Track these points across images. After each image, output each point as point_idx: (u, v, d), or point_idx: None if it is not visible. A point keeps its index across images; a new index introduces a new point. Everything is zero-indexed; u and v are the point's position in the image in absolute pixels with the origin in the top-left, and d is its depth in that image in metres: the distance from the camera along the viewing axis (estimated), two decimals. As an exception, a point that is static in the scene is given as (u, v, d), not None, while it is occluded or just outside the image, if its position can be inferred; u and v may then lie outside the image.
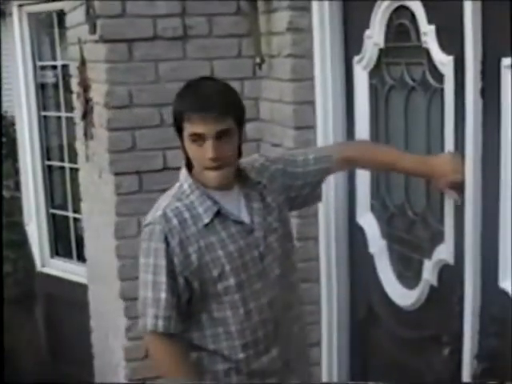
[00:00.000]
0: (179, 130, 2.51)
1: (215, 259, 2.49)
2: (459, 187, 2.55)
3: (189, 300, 2.52)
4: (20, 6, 6.33)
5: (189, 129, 2.44)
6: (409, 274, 3.05)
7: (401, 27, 2.93)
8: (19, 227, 8.06)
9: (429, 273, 2.83)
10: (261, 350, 2.58)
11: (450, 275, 2.70)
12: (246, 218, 2.57)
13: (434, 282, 2.82)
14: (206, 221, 2.50)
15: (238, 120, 2.50)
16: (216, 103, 2.42)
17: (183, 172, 2.60)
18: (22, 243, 7.90)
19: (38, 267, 6.64)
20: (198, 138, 2.44)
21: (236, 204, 2.58)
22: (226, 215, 2.53)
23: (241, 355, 2.56)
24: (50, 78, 6.61)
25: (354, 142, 3.16)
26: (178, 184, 2.60)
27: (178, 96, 2.53)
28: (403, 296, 3.06)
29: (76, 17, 4.26)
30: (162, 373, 2.62)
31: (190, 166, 2.58)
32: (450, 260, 2.69)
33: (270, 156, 2.85)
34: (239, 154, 2.57)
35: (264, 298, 2.57)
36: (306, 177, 2.77)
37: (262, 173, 2.70)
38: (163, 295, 2.46)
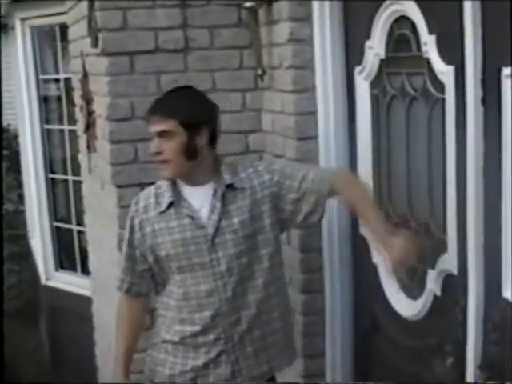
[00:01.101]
0: None
1: (163, 242, 2.89)
2: (406, 269, 2.78)
3: (150, 270, 2.99)
4: (23, 19, 6.36)
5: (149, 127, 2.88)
6: (412, 284, 3.04)
7: (401, 37, 2.93)
8: (23, 240, 8.08)
9: (432, 283, 2.83)
10: (197, 331, 2.92)
11: (454, 285, 2.70)
12: (203, 214, 2.88)
13: (438, 292, 2.82)
14: (162, 209, 2.90)
15: (184, 123, 2.80)
16: (160, 107, 2.84)
17: None
18: (26, 256, 7.92)
19: (43, 280, 6.64)
20: (153, 136, 2.85)
21: (202, 200, 2.88)
22: (180, 207, 2.88)
23: (177, 327, 2.95)
24: (52, 90, 6.64)
25: (347, 178, 3.10)
26: None
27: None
28: (407, 306, 3.05)
29: (78, 30, 4.28)
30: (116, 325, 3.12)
31: None
32: (454, 270, 2.69)
33: (272, 166, 3.07)
34: (190, 155, 2.83)
35: (203, 286, 2.88)
36: (302, 193, 2.95)
37: (251, 178, 2.96)
38: (124, 263, 3.01)
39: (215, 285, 2.88)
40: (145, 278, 3.00)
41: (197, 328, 2.92)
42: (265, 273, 2.94)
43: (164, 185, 2.93)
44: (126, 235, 3.00)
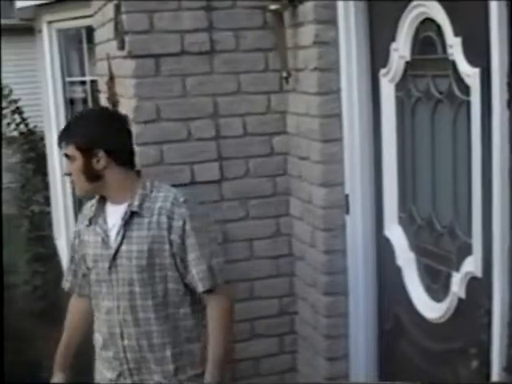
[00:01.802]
0: None
1: (84, 255, 3.04)
2: None
3: None
4: (50, 22, 6.40)
5: None
6: (437, 287, 3.04)
7: (427, 39, 2.93)
8: (48, 241, 8.12)
9: (457, 285, 2.83)
10: (101, 345, 3.03)
11: (478, 288, 2.69)
12: (112, 233, 2.94)
13: (462, 295, 2.81)
14: (86, 223, 3.03)
15: (79, 148, 2.88)
16: (63, 132, 2.96)
17: None
18: (52, 257, 7.96)
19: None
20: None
21: (115, 219, 2.94)
22: (96, 224, 2.98)
23: (96, 335, 3.07)
24: (78, 93, 6.67)
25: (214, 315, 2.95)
26: None
27: None
28: (431, 309, 3.05)
29: (104, 33, 4.30)
30: None
31: None
32: (478, 272, 2.68)
33: (185, 208, 2.93)
34: (90, 177, 2.91)
35: (106, 303, 2.97)
36: (185, 267, 2.91)
37: (162, 213, 2.89)
38: (68, 264, 3.17)
39: (112, 304, 2.95)
40: (86, 281, 3.09)
41: (101, 342, 3.03)
42: (159, 310, 2.91)
43: (95, 200, 3.04)
44: (71, 239, 3.17)
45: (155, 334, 2.91)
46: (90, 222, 2.99)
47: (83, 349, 3.24)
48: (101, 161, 2.88)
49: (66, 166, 2.98)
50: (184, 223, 2.87)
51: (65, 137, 2.93)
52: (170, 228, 2.87)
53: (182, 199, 2.90)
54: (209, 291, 2.90)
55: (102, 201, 2.99)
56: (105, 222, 2.96)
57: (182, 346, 2.95)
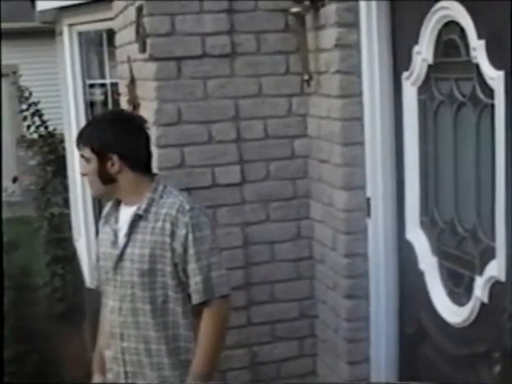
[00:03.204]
0: None
1: (100, 252, 3.08)
2: None
3: None
4: (70, 25, 6.43)
5: None
6: (459, 291, 3.02)
7: (450, 42, 2.92)
8: (68, 243, 8.15)
9: (480, 290, 2.81)
10: (109, 343, 3.04)
11: (502, 292, 2.68)
12: (121, 234, 2.97)
13: (485, 299, 2.79)
14: (102, 222, 3.10)
15: (95, 151, 2.92)
16: (81, 134, 3.00)
17: None
18: (71, 259, 7.98)
19: (87, 283, 6.69)
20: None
21: (125, 220, 2.97)
22: (109, 223, 3.03)
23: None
24: (98, 95, 6.69)
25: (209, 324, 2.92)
26: None
27: None
28: (454, 313, 3.04)
29: (126, 35, 4.31)
30: None
31: None
32: (502, 277, 2.67)
33: (189, 216, 2.90)
34: (105, 180, 2.95)
35: (111, 302, 2.99)
36: (186, 275, 2.91)
37: (171, 219, 2.88)
38: (96, 262, 3.14)
39: (115, 304, 2.97)
40: None
41: (110, 340, 3.04)
42: (157, 316, 2.91)
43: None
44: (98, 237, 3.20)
45: (153, 340, 2.91)
46: (105, 220, 3.06)
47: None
48: (115, 165, 2.92)
49: (82, 166, 3.00)
50: (187, 232, 2.86)
51: (82, 139, 2.98)
52: (172, 235, 2.86)
53: (187, 207, 2.88)
54: (202, 304, 2.88)
55: (118, 201, 3.03)
56: (116, 221, 3.00)
57: (180, 355, 2.93)
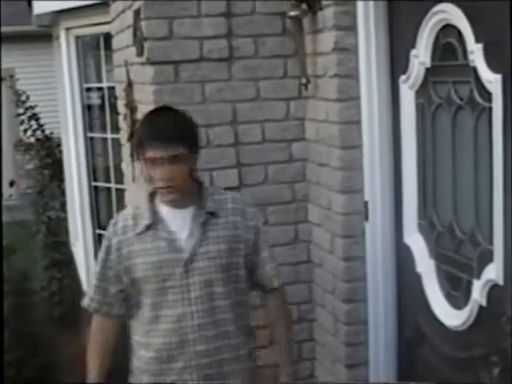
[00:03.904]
0: (139, 153, 2.84)
1: (138, 264, 2.85)
2: None
3: (123, 292, 2.93)
4: (67, 29, 6.43)
5: (147, 154, 2.76)
6: (457, 294, 3.02)
7: (447, 46, 2.92)
8: (65, 247, 8.14)
9: (478, 293, 2.81)
10: (162, 358, 2.87)
11: (500, 295, 2.68)
12: (181, 237, 2.85)
13: (483, 302, 2.79)
14: (138, 231, 2.86)
15: (190, 146, 2.80)
16: (168, 132, 2.77)
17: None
18: (68, 263, 7.98)
19: (85, 287, 6.69)
20: (153, 162, 2.76)
21: (180, 223, 2.85)
22: (157, 230, 2.85)
23: (142, 352, 2.91)
24: (95, 99, 6.69)
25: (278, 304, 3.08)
26: None
27: (142, 124, 2.90)
28: (452, 316, 3.04)
29: (123, 39, 4.31)
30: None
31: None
32: (500, 280, 2.67)
33: (253, 208, 3.06)
34: (191, 178, 2.87)
35: (173, 311, 2.84)
36: (254, 264, 2.99)
37: (235, 213, 2.92)
38: (96, 282, 2.96)
39: (184, 310, 2.84)
40: (117, 300, 2.94)
41: (163, 354, 2.86)
42: (234, 309, 2.91)
43: (143, 206, 2.90)
44: (101, 255, 2.94)
45: (232, 334, 2.90)
46: (148, 228, 2.84)
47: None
48: (196, 165, 2.89)
49: (167, 170, 2.74)
50: (256, 223, 2.96)
51: (177, 136, 2.76)
52: (245, 227, 2.91)
53: (248, 209, 2.98)
54: (275, 289, 3.02)
55: (153, 205, 2.87)
56: (167, 226, 2.85)
57: (251, 343, 3.01)
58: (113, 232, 2.92)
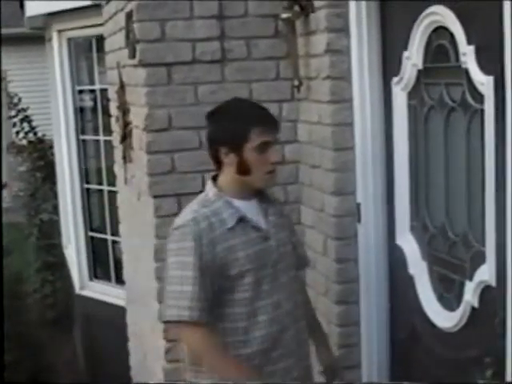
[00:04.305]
0: (236, 145, 2.82)
1: (236, 259, 2.80)
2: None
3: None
4: (60, 31, 6.43)
5: (259, 139, 2.80)
6: (450, 296, 3.03)
7: (440, 48, 2.93)
8: (57, 250, 8.15)
9: (470, 294, 2.81)
10: (267, 348, 2.85)
11: (492, 296, 2.68)
12: (263, 226, 2.91)
13: (476, 304, 2.80)
14: (230, 225, 2.81)
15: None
16: (273, 116, 2.91)
17: (209, 183, 2.95)
18: (61, 266, 7.98)
19: (77, 290, 6.69)
20: (264, 147, 2.81)
21: (255, 213, 2.91)
22: (247, 221, 2.85)
23: (250, 349, 2.84)
24: (88, 101, 6.70)
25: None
26: (203, 194, 2.96)
27: (241, 114, 2.88)
28: (444, 318, 3.04)
29: (115, 41, 4.32)
30: (202, 359, 2.85)
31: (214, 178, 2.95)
32: (492, 281, 2.67)
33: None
34: None
35: (271, 299, 2.86)
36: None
37: (272, 196, 3.10)
38: (190, 288, 2.73)
39: (277, 298, 2.87)
40: (208, 304, 2.78)
41: (264, 346, 2.84)
42: (300, 287, 3.12)
43: (214, 202, 2.84)
44: (190, 259, 2.73)
45: (302, 317, 3.04)
46: (240, 221, 2.82)
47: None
48: None
49: (276, 152, 2.89)
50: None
51: (277, 123, 2.93)
52: (284, 212, 3.12)
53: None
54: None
55: (225, 200, 2.86)
56: (252, 216, 2.88)
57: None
58: (198, 232, 2.76)
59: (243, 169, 2.84)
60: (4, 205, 11.53)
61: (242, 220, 2.83)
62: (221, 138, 2.86)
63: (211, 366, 2.83)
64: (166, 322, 2.91)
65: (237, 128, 2.83)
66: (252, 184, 2.88)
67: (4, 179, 11.97)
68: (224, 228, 2.80)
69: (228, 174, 2.87)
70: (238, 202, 2.86)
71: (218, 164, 2.90)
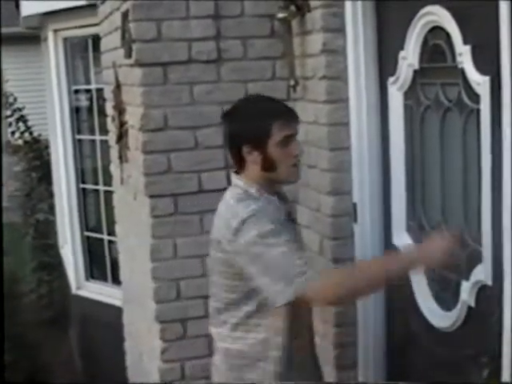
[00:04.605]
0: (259, 142, 2.78)
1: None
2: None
3: None
4: (55, 30, 6.42)
5: (281, 133, 2.78)
6: (446, 296, 3.03)
7: (436, 48, 2.93)
8: (54, 250, 8.14)
9: (466, 294, 2.81)
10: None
11: (488, 296, 2.68)
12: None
13: (472, 303, 2.80)
14: (283, 218, 2.85)
15: None
16: (294, 113, 2.88)
17: (244, 180, 2.86)
18: (57, 266, 7.97)
19: (73, 290, 6.68)
20: (287, 140, 2.80)
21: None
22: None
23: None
24: (83, 101, 6.69)
25: None
26: (237, 190, 2.86)
27: (262, 110, 2.85)
28: (441, 317, 3.04)
29: (111, 41, 4.31)
30: (352, 295, 2.91)
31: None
32: (488, 281, 2.67)
33: None
34: None
35: None
36: None
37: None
38: (297, 255, 2.68)
39: None
40: None
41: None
42: None
43: (258, 198, 2.80)
44: (280, 238, 2.67)
45: None
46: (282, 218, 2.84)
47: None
48: None
49: (297, 146, 2.85)
50: None
51: (297, 116, 2.90)
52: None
53: None
54: None
55: (267, 195, 2.85)
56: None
57: None
58: (271, 211, 2.79)
59: (268, 165, 2.81)
60: None
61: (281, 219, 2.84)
62: (242, 137, 2.81)
63: (364, 286, 2.73)
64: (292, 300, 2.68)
65: (258, 125, 2.80)
66: (278, 179, 2.87)
67: (0, 179, 11.98)
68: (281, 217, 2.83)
69: (252, 172, 2.84)
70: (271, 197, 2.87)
71: (240, 162, 2.87)
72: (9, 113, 9.17)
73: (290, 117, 2.85)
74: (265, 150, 2.79)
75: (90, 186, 6.58)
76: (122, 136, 4.34)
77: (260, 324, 2.82)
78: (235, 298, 2.83)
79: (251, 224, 2.68)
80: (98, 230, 6.47)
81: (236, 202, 2.80)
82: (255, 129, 2.80)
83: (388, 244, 3.39)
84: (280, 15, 3.56)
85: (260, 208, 2.73)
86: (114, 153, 4.77)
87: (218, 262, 2.84)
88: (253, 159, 2.81)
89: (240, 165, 2.87)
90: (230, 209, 2.81)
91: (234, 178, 2.91)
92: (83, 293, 6.57)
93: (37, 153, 8.86)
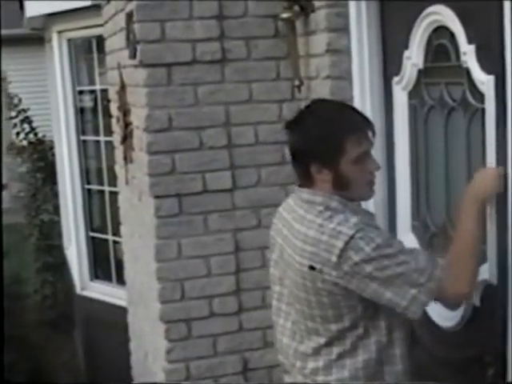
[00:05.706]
0: (330, 159, 2.48)
1: None
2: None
3: None
4: (60, 32, 6.43)
5: (356, 150, 2.47)
6: (451, 295, 3.02)
7: (440, 47, 2.93)
8: (58, 250, 8.15)
9: (471, 293, 2.81)
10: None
11: (494, 295, 2.68)
12: None
13: (477, 303, 2.80)
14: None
15: None
16: (368, 117, 2.58)
17: (324, 193, 2.52)
18: (61, 266, 7.98)
19: (78, 290, 6.69)
20: (364, 157, 2.50)
21: None
22: None
23: (400, 366, 2.70)
24: (88, 102, 6.70)
25: None
26: (317, 207, 2.51)
27: (331, 122, 2.51)
28: (445, 317, 3.03)
29: (116, 42, 4.31)
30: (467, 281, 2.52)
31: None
32: (493, 280, 2.67)
33: None
34: None
35: None
36: None
37: None
38: (425, 256, 2.48)
39: None
40: None
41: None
42: None
43: (343, 211, 2.49)
44: (397, 244, 2.49)
45: None
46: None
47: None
48: None
49: (374, 161, 2.58)
50: None
51: (373, 126, 2.56)
52: None
53: None
54: None
55: (349, 208, 2.54)
56: None
57: None
58: (367, 220, 2.54)
59: (340, 183, 2.50)
60: (4, 206, 11.56)
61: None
62: (310, 153, 2.49)
63: (473, 259, 2.51)
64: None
65: (329, 140, 2.46)
66: (350, 197, 2.54)
67: (4, 180, 12.00)
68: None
69: (322, 189, 2.52)
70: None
71: (308, 178, 2.55)
72: (13, 114, 9.18)
73: (366, 129, 2.51)
74: (337, 168, 2.48)
75: (94, 187, 6.59)
76: (126, 137, 4.35)
77: (368, 344, 2.55)
78: (345, 326, 2.52)
79: (359, 240, 2.39)
80: (103, 230, 6.47)
81: (328, 221, 2.46)
82: (326, 144, 2.46)
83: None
84: (284, 15, 3.56)
85: (360, 220, 2.44)
86: (118, 153, 4.78)
87: (315, 292, 2.49)
88: (322, 177, 2.50)
89: (307, 180, 2.56)
90: (321, 229, 2.44)
91: (304, 193, 2.56)
92: (88, 293, 6.58)
93: (41, 154, 8.87)
